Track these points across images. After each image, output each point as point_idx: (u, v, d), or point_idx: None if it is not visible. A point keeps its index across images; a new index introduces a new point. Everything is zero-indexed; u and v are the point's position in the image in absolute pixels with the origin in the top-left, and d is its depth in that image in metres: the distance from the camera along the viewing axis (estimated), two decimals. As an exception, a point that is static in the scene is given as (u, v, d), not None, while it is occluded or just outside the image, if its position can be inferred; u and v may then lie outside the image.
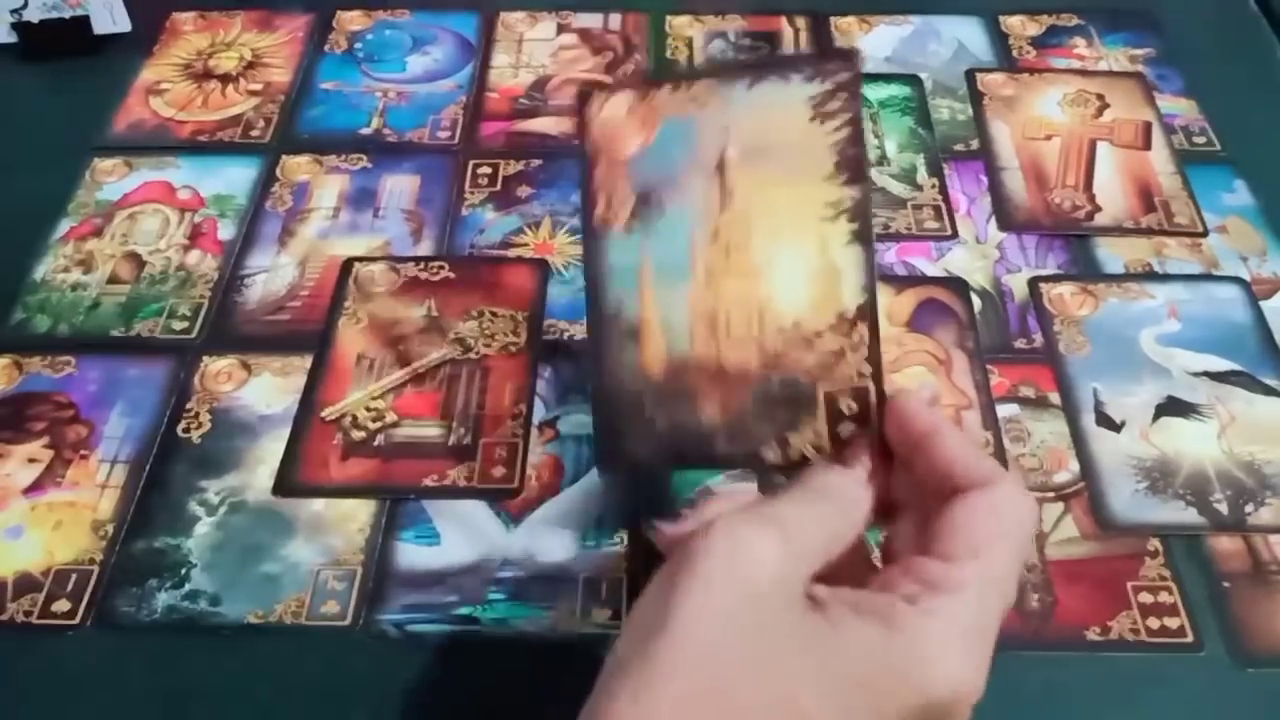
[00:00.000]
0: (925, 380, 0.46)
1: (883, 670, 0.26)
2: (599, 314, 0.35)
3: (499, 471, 0.44)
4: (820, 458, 0.33)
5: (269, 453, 0.44)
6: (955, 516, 0.29)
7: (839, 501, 0.31)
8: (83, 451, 0.44)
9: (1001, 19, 0.65)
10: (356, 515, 0.43)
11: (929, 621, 0.27)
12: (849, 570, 0.30)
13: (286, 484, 0.43)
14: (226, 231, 0.54)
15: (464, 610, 0.40)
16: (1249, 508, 0.42)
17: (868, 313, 0.32)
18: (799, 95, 0.33)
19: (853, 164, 0.33)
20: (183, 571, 0.41)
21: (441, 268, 0.51)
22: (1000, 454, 0.44)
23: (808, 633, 0.27)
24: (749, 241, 0.33)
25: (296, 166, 0.57)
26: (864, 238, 0.33)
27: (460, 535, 0.42)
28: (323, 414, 0.46)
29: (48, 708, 0.38)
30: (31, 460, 0.44)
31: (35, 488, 0.43)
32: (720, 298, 0.33)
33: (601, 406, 0.36)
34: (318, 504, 0.43)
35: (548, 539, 0.42)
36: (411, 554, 0.42)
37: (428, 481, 0.43)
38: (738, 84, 0.34)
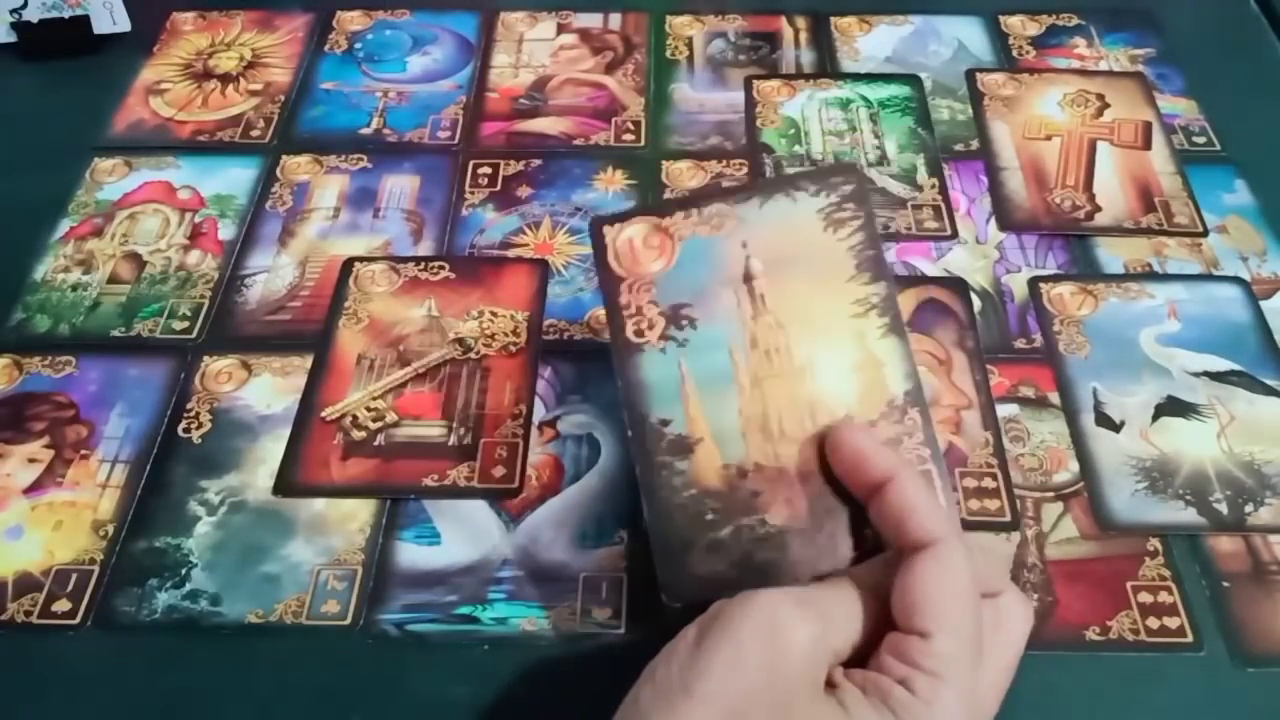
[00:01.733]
0: (925, 380, 0.46)
1: None
2: (643, 432, 0.35)
3: (499, 471, 0.44)
4: None
5: (269, 453, 0.44)
6: (916, 589, 0.30)
7: (884, 596, 0.31)
8: (83, 451, 0.45)
9: (1001, 19, 0.65)
10: (357, 515, 0.43)
11: (928, 711, 0.28)
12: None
13: (287, 484, 0.43)
14: (227, 231, 0.54)
15: (464, 610, 0.40)
16: (1249, 508, 0.42)
17: (917, 398, 0.34)
18: (809, 209, 0.36)
19: (873, 264, 0.35)
20: (183, 571, 0.41)
21: (442, 268, 0.51)
22: (1000, 454, 0.44)
23: (823, 715, 0.28)
24: (788, 344, 0.35)
25: (297, 166, 0.57)
26: (897, 329, 0.35)
27: (460, 535, 0.42)
28: (323, 414, 0.46)
29: (48, 708, 0.38)
30: (31, 460, 0.44)
31: (35, 488, 0.43)
32: (769, 401, 0.35)
33: (660, 527, 0.35)
34: (318, 504, 0.43)
35: (548, 539, 0.42)
36: (412, 554, 0.42)
37: (428, 481, 0.43)
38: (749, 204, 0.36)
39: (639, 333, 0.36)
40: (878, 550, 0.34)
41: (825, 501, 0.34)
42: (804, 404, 0.35)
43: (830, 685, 0.29)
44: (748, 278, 0.36)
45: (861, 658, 0.31)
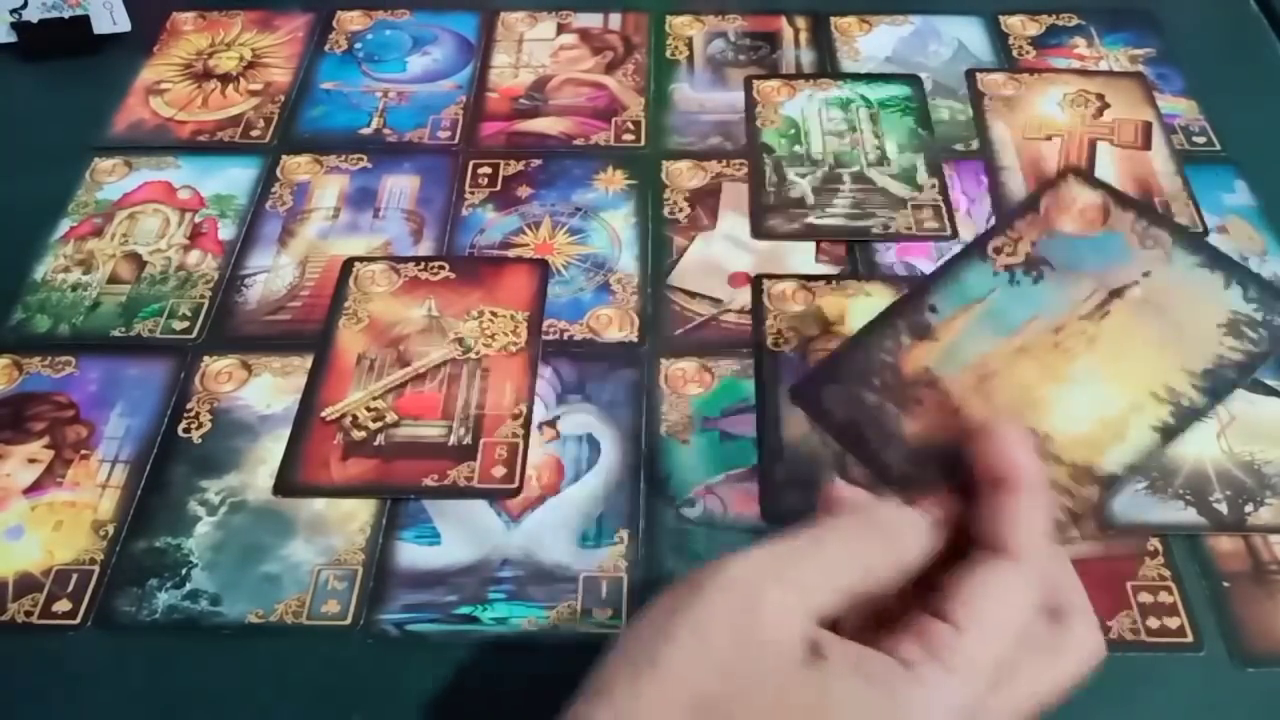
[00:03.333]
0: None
1: None
2: (913, 296, 0.36)
3: (499, 471, 0.44)
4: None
5: (269, 453, 0.44)
6: (973, 584, 0.28)
7: (887, 540, 0.30)
8: (83, 451, 0.45)
9: (1001, 19, 0.65)
10: (357, 515, 0.43)
11: (921, 693, 0.27)
12: (901, 604, 0.29)
13: (287, 484, 0.43)
14: (227, 231, 0.54)
15: (464, 610, 0.40)
16: (1249, 508, 0.42)
17: (1107, 487, 0.33)
18: (1227, 302, 0.35)
19: (1220, 382, 0.33)
20: (183, 571, 0.41)
21: (442, 267, 0.51)
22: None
23: (800, 686, 0.27)
24: (1079, 356, 0.34)
25: (297, 166, 0.57)
26: (1167, 435, 0.33)
27: (460, 535, 0.42)
28: (323, 414, 0.46)
29: (48, 708, 0.38)
30: (32, 460, 0.44)
31: (35, 488, 0.43)
32: (1010, 371, 0.34)
33: (849, 345, 0.36)
34: (318, 504, 0.43)
35: (548, 539, 0.42)
36: (412, 554, 0.42)
37: (428, 481, 0.43)
38: (1185, 254, 0.36)
39: (999, 248, 0.37)
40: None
41: (946, 459, 0.33)
42: (1029, 398, 0.34)
43: (818, 654, 0.27)
44: (1117, 294, 0.35)
45: (892, 613, 0.29)
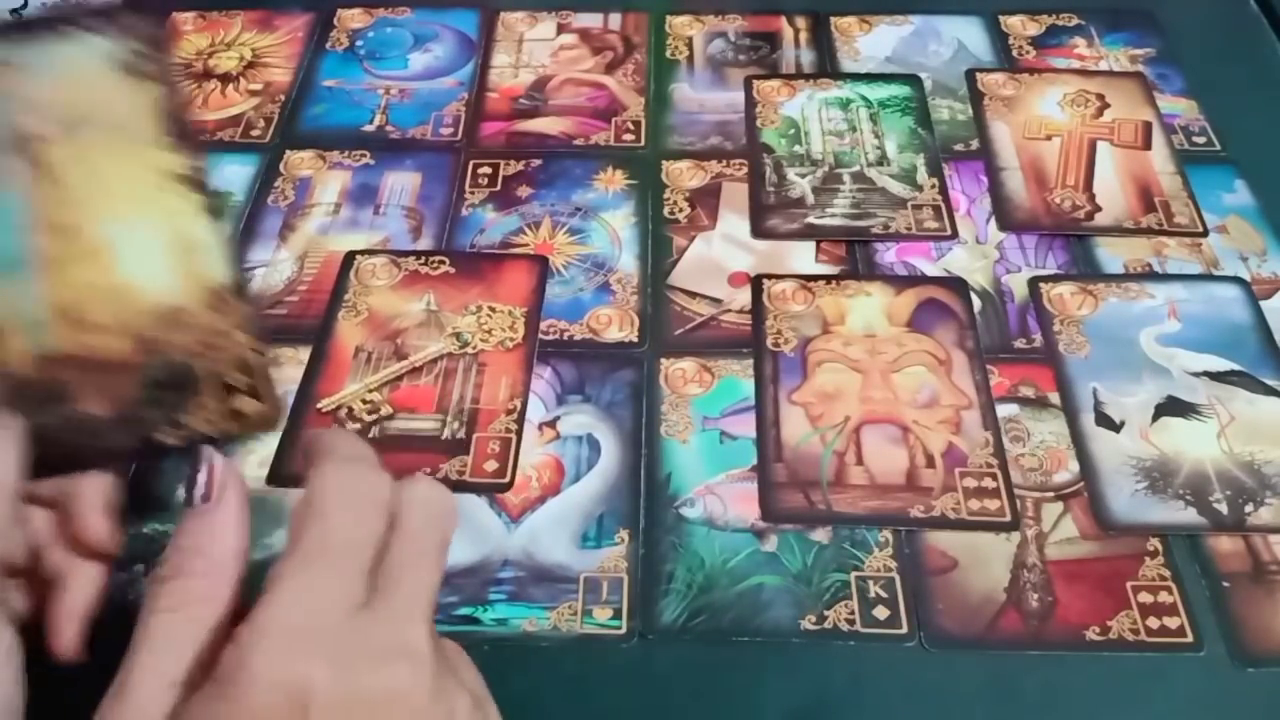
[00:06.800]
0: (925, 380, 0.46)
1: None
2: None
3: (491, 466, 0.44)
4: (221, 432, 0.31)
5: (260, 442, 0.44)
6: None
7: (208, 579, 0.28)
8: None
9: (1001, 19, 0.65)
10: None
11: (236, 652, 0.25)
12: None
13: (281, 473, 0.44)
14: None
15: (465, 611, 0.40)
16: (1249, 508, 0.42)
17: (241, 288, 0.30)
18: (100, 55, 0.30)
19: (178, 128, 0.30)
20: None
21: (441, 262, 0.51)
22: (1000, 454, 0.44)
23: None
24: (85, 222, 0.30)
25: (300, 162, 0.57)
26: (214, 210, 0.30)
27: (461, 535, 0.42)
28: (319, 405, 0.46)
29: (34, 695, 0.38)
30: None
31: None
32: (72, 286, 0.30)
33: None
34: None
35: (548, 539, 0.42)
36: (411, 553, 0.41)
37: (421, 474, 0.43)
38: (28, 49, 0.30)
39: None
40: (209, 440, 0.31)
41: (146, 394, 0.31)
42: (110, 291, 0.30)
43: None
44: (27, 143, 0.30)
45: None
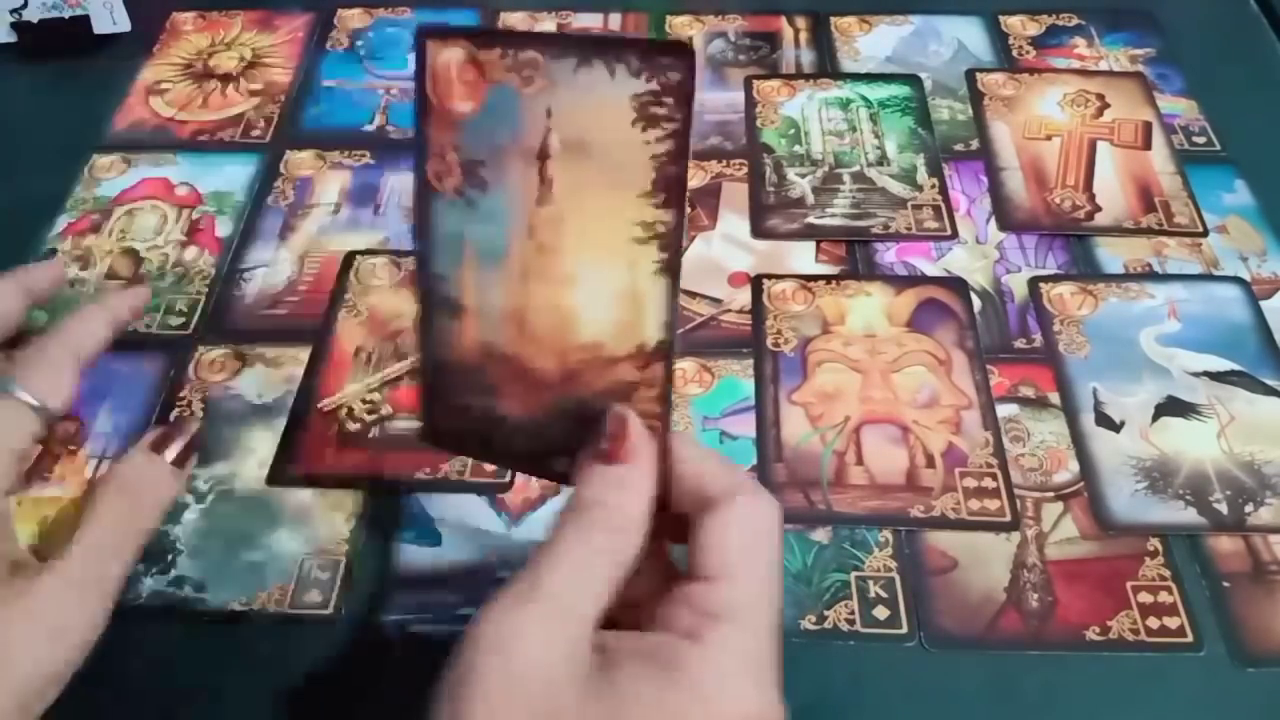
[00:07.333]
0: (925, 380, 0.46)
1: (671, 718, 0.26)
2: (427, 280, 0.32)
3: (491, 466, 0.44)
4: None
5: (259, 442, 0.45)
6: (706, 536, 0.28)
7: (613, 524, 0.29)
8: (71, 447, 0.45)
9: (1001, 19, 0.65)
10: (343, 506, 0.43)
11: (706, 657, 0.26)
12: (648, 580, 0.29)
13: (281, 473, 0.44)
14: (224, 228, 0.54)
15: (465, 611, 0.40)
16: (1249, 508, 0.42)
17: (665, 353, 0.30)
18: (624, 90, 0.29)
19: (672, 184, 0.29)
20: (169, 558, 0.41)
21: (441, 267, 0.51)
22: (1000, 454, 0.44)
23: (597, 695, 0.26)
24: (562, 246, 0.31)
25: (300, 162, 0.57)
26: (671, 269, 0.30)
27: (461, 536, 0.42)
28: (320, 405, 0.46)
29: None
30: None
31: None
32: (530, 298, 0.31)
33: (424, 376, 0.33)
34: (304, 494, 0.43)
35: (547, 538, 0.42)
36: (412, 555, 0.41)
37: (420, 474, 0.43)
38: (564, 63, 0.29)
39: (438, 176, 0.31)
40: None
41: (554, 417, 0.32)
42: (560, 315, 0.31)
43: (604, 661, 0.26)
44: (543, 154, 0.30)
45: (640, 589, 0.29)
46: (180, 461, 0.34)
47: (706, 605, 0.27)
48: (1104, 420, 0.45)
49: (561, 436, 0.32)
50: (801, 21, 0.65)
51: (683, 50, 0.28)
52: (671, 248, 0.30)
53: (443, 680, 0.27)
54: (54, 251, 0.52)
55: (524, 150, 0.30)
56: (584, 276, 0.31)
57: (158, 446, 0.34)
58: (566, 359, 0.31)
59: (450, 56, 0.31)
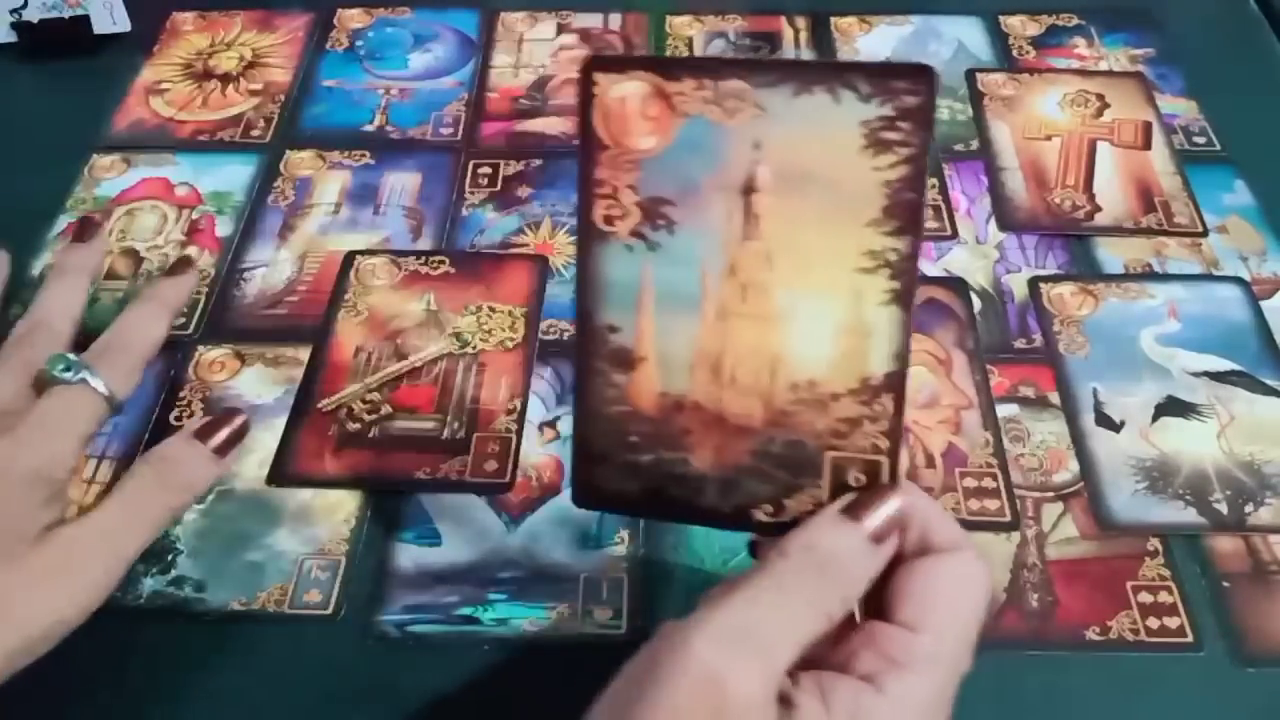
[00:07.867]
0: (925, 380, 0.46)
1: None
2: (589, 330, 0.31)
3: (491, 466, 0.44)
4: None
5: (259, 442, 0.44)
6: (913, 582, 0.28)
7: (843, 580, 0.28)
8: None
9: (1001, 19, 0.65)
10: (343, 506, 0.43)
11: (886, 704, 0.26)
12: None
13: (281, 473, 0.44)
14: (224, 228, 0.54)
15: (465, 611, 0.40)
16: (1249, 508, 0.42)
17: (897, 383, 0.29)
18: (852, 117, 0.28)
19: (907, 211, 0.28)
20: (169, 558, 0.41)
21: (441, 262, 0.51)
22: (1000, 454, 0.44)
23: None
24: (771, 283, 0.29)
25: (300, 162, 0.57)
26: (903, 299, 0.28)
27: (461, 536, 0.42)
28: (320, 405, 0.46)
29: (30, 688, 0.38)
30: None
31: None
32: (730, 341, 0.30)
33: (581, 431, 0.32)
34: (305, 494, 0.43)
35: (548, 539, 0.42)
36: (412, 554, 0.41)
37: (420, 474, 0.43)
38: (778, 91, 0.28)
39: (608, 219, 0.30)
40: (781, 528, 0.30)
41: (755, 464, 0.30)
42: (767, 356, 0.30)
43: (787, 703, 0.26)
44: (749, 189, 0.29)
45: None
46: (222, 451, 0.36)
47: (895, 651, 0.27)
48: (1104, 420, 0.45)
49: (763, 484, 0.30)
50: (801, 22, 0.65)
51: (922, 73, 0.27)
52: (905, 276, 0.29)
53: (628, 673, 0.27)
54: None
55: (725, 185, 0.29)
56: (797, 312, 0.29)
57: (202, 434, 0.36)
58: (773, 401, 0.30)
59: (626, 90, 0.29)
